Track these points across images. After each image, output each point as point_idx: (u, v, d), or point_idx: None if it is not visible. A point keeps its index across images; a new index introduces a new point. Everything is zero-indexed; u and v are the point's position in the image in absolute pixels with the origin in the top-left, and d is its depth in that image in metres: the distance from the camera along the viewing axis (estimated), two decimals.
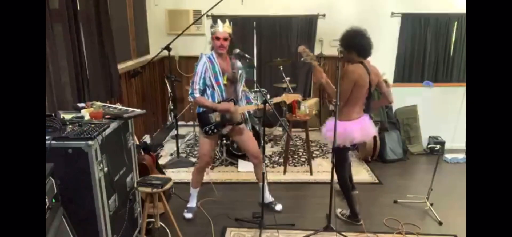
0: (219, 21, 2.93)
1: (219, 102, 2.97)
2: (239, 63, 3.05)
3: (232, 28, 3.00)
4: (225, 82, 2.98)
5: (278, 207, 3.34)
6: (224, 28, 2.90)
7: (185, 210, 3.27)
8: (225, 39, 2.90)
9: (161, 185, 2.57)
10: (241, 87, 3.11)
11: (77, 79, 3.11)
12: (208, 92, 2.98)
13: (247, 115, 3.22)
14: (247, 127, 3.21)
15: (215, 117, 3.00)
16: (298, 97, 3.14)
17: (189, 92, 2.99)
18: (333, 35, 5.06)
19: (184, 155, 4.67)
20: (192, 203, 3.32)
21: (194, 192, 3.31)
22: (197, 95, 2.94)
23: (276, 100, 3.14)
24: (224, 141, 4.31)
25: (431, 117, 4.80)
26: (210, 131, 3.02)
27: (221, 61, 2.98)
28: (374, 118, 4.42)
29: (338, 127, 2.73)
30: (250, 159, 3.29)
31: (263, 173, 2.99)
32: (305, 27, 5.52)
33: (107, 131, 2.24)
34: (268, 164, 4.42)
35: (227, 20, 2.96)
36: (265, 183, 3.31)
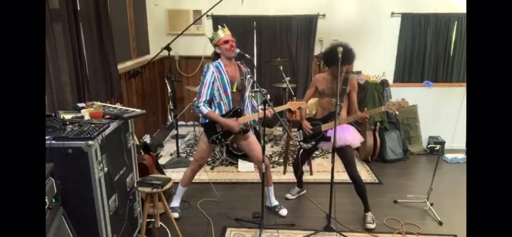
0: (219, 27, 2.93)
1: (226, 112, 2.94)
2: (246, 68, 3.01)
3: (232, 28, 3.01)
4: (234, 90, 2.93)
5: (283, 212, 3.28)
6: (226, 32, 2.92)
7: (169, 210, 3.22)
8: (233, 41, 2.90)
9: (161, 185, 2.56)
10: (247, 93, 3.06)
11: (77, 79, 3.11)
12: (215, 103, 2.95)
13: (250, 121, 3.15)
14: (251, 131, 3.17)
15: (222, 127, 2.97)
16: (304, 104, 3.08)
17: (195, 104, 2.95)
18: (333, 35, 5.06)
19: (184, 155, 4.67)
20: (176, 203, 3.26)
21: (181, 190, 3.25)
22: (205, 111, 2.89)
23: (281, 108, 3.06)
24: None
25: (431, 117, 4.80)
26: (217, 140, 3.01)
27: (229, 69, 2.93)
28: (375, 117, 4.46)
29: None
30: (255, 164, 3.25)
31: (263, 173, 2.95)
32: (305, 27, 5.52)
33: (107, 131, 2.24)
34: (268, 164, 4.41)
35: (224, 25, 2.95)
36: (271, 187, 3.30)
